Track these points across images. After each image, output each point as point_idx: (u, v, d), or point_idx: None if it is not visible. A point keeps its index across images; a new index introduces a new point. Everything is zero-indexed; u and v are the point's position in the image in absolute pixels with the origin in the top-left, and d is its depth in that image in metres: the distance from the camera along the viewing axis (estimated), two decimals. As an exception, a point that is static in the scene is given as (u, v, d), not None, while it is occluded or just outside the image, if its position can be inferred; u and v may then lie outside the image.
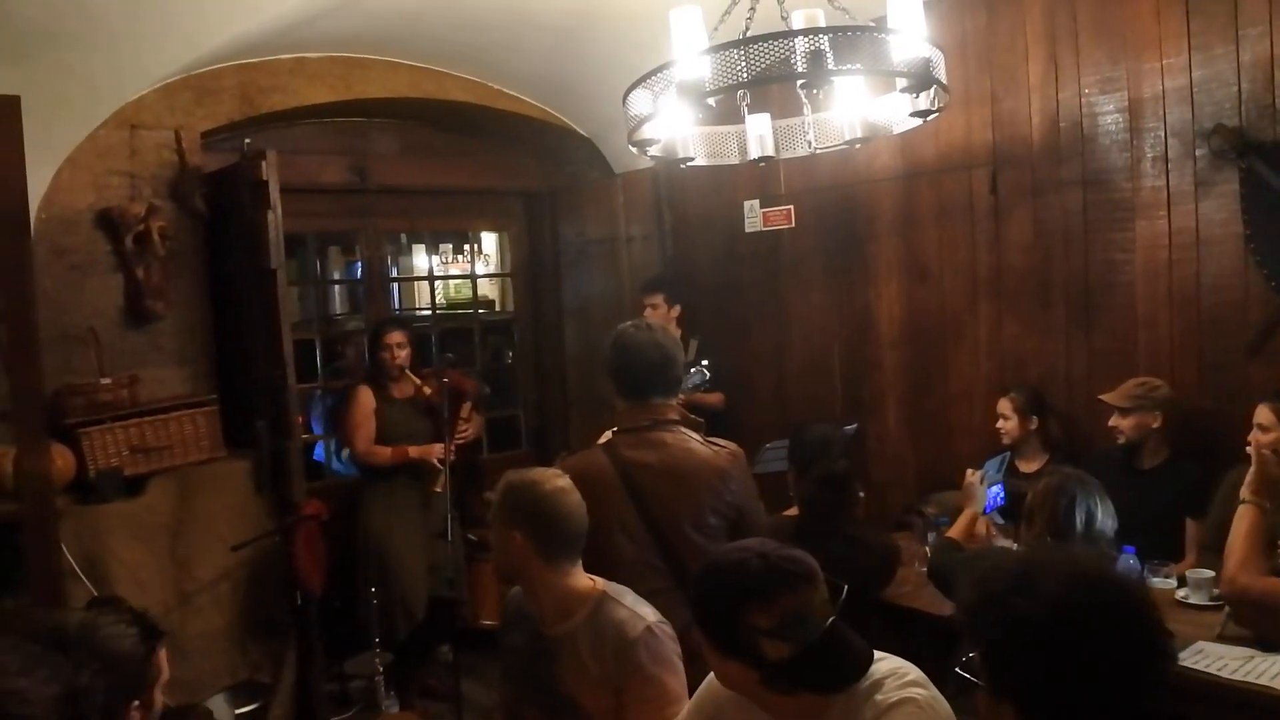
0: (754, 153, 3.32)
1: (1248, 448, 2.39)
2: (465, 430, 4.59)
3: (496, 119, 5.45)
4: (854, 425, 4.62)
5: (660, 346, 2.70)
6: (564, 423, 6.13)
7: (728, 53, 2.52)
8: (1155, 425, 3.49)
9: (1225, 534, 2.53)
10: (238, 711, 3.99)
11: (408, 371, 4.57)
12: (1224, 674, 2.49)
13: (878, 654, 1.77)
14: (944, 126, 4.19)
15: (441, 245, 7.37)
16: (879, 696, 1.70)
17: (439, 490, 4.35)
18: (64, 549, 3.32)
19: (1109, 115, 3.81)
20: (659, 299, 5.04)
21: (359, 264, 5.99)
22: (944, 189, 4.40)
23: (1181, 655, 2.51)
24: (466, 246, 6.95)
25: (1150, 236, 3.74)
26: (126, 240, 4.06)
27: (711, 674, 1.90)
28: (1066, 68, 3.92)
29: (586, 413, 5.81)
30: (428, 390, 4.51)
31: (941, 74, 2.69)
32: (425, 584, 4.42)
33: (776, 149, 3.37)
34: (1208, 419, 3.54)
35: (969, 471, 3.56)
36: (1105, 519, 2.72)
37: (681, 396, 2.96)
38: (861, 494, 3.35)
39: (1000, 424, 3.96)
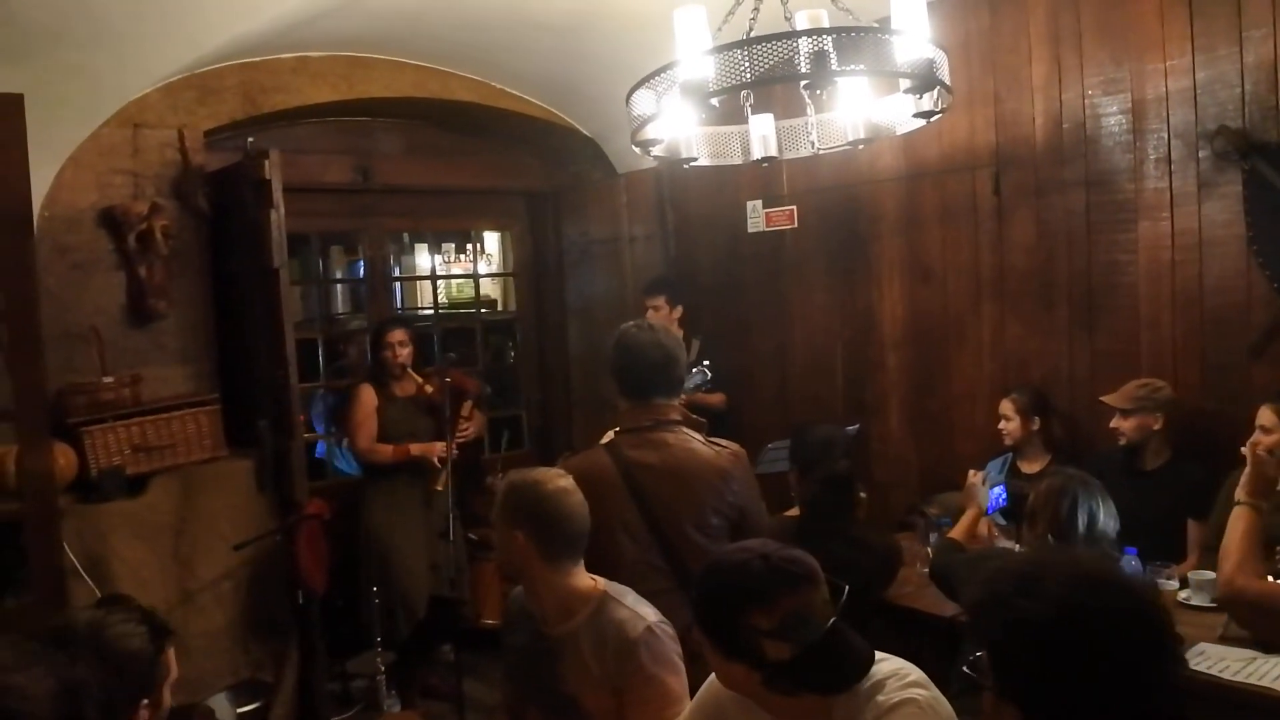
0: (757, 153, 3.32)
1: (1243, 449, 2.38)
2: (467, 429, 4.59)
3: (500, 119, 5.45)
4: (856, 426, 4.62)
5: (662, 347, 2.70)
6: (567, 423, 6.13)
7: (731, 53, 2.52)
8: (1157, 427, 3.49)
9: (1228, 535, 2.52)
10: (240, 710, 4.00)
11: (410, 370, 4.58)
12: (1226, 675, 2.49)
13: (879, 655, 1.77)
14: (947, 127, 4.19)
15: (444, 245, 7.37)
16: (880, 697, 1.70)
17: (440, 489, 4.36)
18: (66, 548, 3.32)
19: (1112, 116, 3.81)
20: (661, 301, 5.04)
21: (361, 263, 6.00)
22: (947, 190, 4.40)
23: (1182, 657, 2.51)
24: (469, 246, 6.95)
25: (1153, 238, 3.73)
26: (129, 239, 4.07)
27: (713, 675, 1.89)
28: (1070, 69, 3.91)
29: (589, 413, 5.81)
30: (429, 389, 4.51)
31: (945, 75, 2.69)
32: (427, 583, 4.42)
33: (779, 149, 3.37)
34: (1210, 420, 3.54)
35: (971, 472, 3.56)
36: (1107, 520, 2.71)
37: (683, 397, 2.96)
38: (863, 494, 3.35)
39: (1002, 425, 3.95)
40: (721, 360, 4.42)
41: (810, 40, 2.50)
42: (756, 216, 5.20)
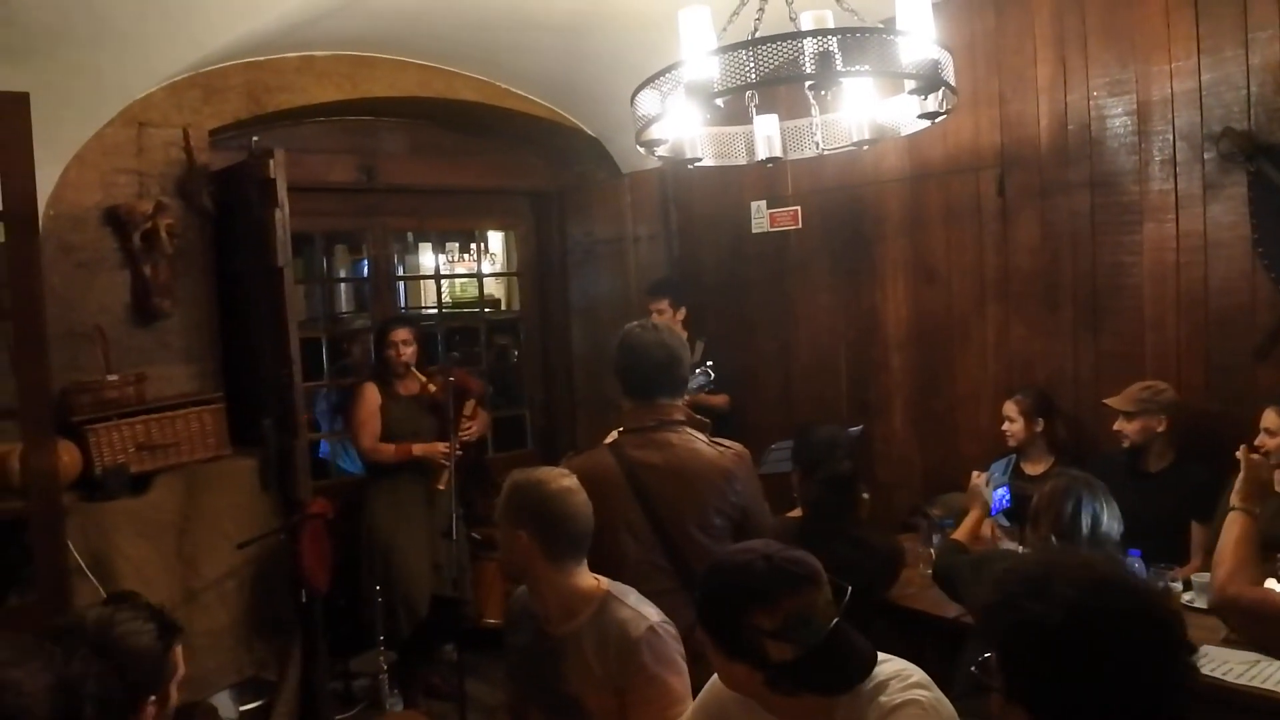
0: (761, 153, 3.31)
1: (1237, 453, 2.37)
2: (469, 428, 4.60)
3: (504, 119, 5.45)
4: (860, 426, 4.62)
5: (666, 347, 2.70)
6: (570, 422, 6.13)
7: (736, 53, 2.52)
8: (1160, 429, 3.48)
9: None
10: (242, 709, 4.01)
11: (413, 369, 4.58)
12: (1229, 678, 2.49)
13: (882, 655, 1.77)
14: (952, 128, 4.19)
15: (448, 244, 7.38)
16: (883, 698, 1.70)
17: (442, 488, 4.37)
18: (70, 546, 3.33)
19: (1117, 118, 3.80)
20: (664, 304, 5.03)
21: (365, 262, 6.01)
22: (951, 191, 4.40)
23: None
24: (473, 246, 6.96)
25: (1158, 239, 3.73)
26: (134, 238, 4.07)
27: (715, 675, 1.90)
28: (1075, 70, 3.91)
29: (593, 412, 5.81)
30: (433, 388, 4.52)
31: (950, 76, 2.69)
32: (428, 582, 4.43)
33: (784, 150, 3.37)
34: (1214, 422, 3.53)
35: (975, 473, 3.56)
36: (1111, 522, 2.71)
37: (686, 398, 2.96)
38: (867, 495, 3.35)
39: (1006, 426, 3.95)
40: (725, 360, 4.41)
41: (815, 41, 2.50)
42: (761, 217, 5.20)
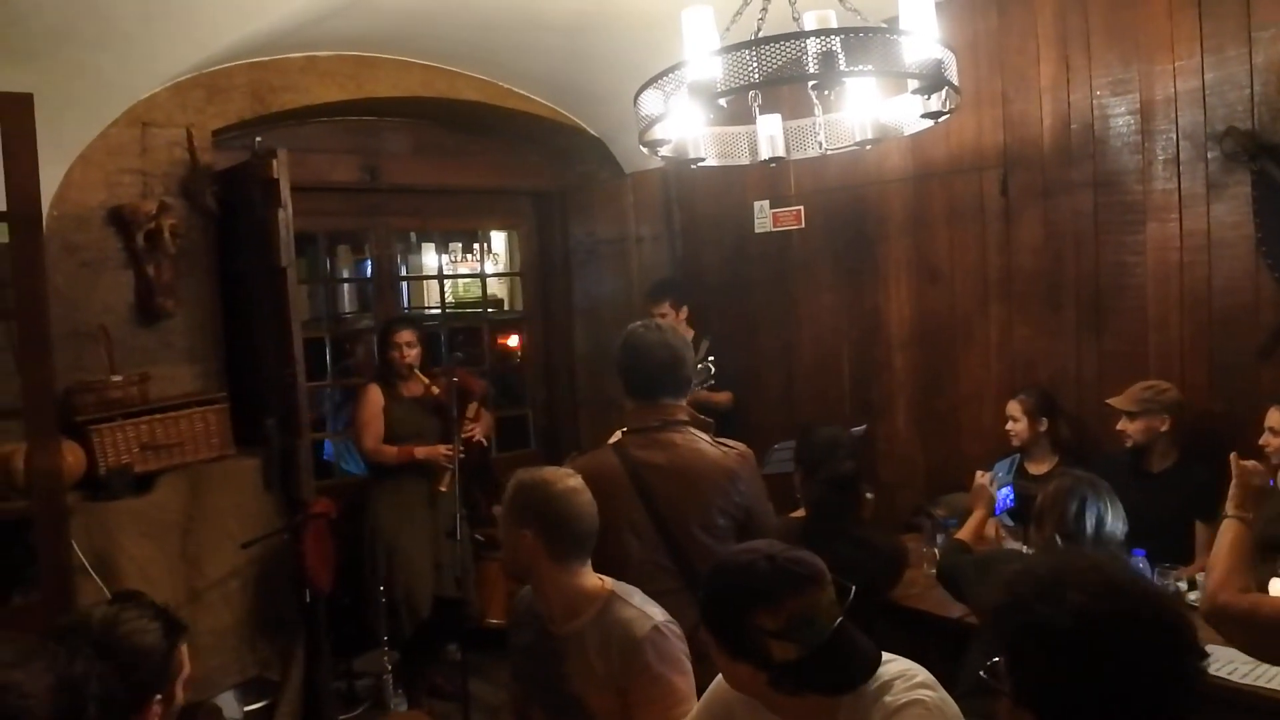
0: (764, 153, 3.31)
1: (1230, 459, 2.37)
2: (472, 429, 4.59)
3: (507, 118, 5.46)
4: (863, 426, 4.61)
5: (670, 347, 2.70)
6: (573, 422, 6.13)
7: (739, 53, 2.52)
8: (1163, 429, 3.48)
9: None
10: (246, 708, 4.02)
11: (417, 370, 4.58)
12: (1234, 678, 2.49)
13: (886, 655, 1.77)
14: (955, 128, 4.19)
15: (451, 244, 7.38)
16: (887, 698, 1.70)
17: (444, 490, 4.37)
18: (74, 545, 3.33)
19: (1120, 117, 3.80)
20: (666, 306, 5.01)
21: (368, 262, 6.01)
22: (955, 190, 4.40)
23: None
24: (476, 245, 6.95)
25: (1161, 239, 3.72)
26: (137, 238, 4.08)
27: (720, 675, 1.90)
28: (1078, 69, 3.90)
29: (595, 413, 5.81)
30: (436, 389, 4.52)
31: (953, 75, 2.69)
32: (430, 582, 4.43)
33: (787, 150, 3.37)
34: (1218, 422, 3.53)
35: (978, 473, 3.55)
36: (1115, 522, 2.71)
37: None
38: (870, 495, 3.35)
39: (1010, 426, 3.95)
40: (728, 360, 4.41)
41: (818, 40, 2.50)
42: (764, 217, 5.20)
